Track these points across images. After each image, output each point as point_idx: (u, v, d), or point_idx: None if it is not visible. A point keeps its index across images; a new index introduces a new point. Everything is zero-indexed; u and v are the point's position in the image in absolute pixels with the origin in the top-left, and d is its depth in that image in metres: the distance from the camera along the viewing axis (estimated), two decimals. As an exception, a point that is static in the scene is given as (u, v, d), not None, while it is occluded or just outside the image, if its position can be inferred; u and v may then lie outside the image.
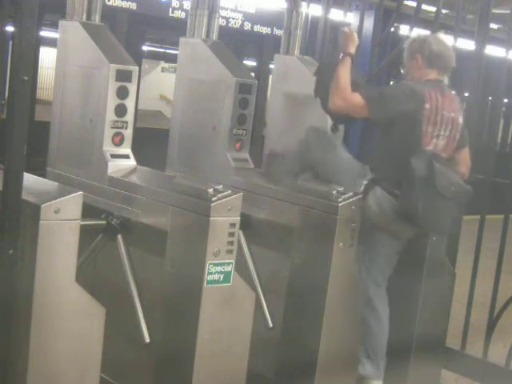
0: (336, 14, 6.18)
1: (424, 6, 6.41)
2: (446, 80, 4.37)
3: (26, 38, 2.98)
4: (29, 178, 3.23)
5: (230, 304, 3.76)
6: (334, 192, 4.23)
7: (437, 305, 4.61)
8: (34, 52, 3.13)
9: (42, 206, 3.11)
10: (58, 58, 4.27)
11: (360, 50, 5.98)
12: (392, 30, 6.26)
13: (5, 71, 3.11)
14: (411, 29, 5.72)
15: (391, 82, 8.80)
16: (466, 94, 5.08)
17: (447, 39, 4.47)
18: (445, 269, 4.65)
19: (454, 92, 4.37)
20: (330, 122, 4.74)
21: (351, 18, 6.76)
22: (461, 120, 4.31)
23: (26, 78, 2.98)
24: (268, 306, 4.24)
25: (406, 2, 6.43)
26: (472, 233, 4.98)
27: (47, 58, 9.07)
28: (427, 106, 4.14)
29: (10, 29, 3.38)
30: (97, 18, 4.21)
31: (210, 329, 3.70)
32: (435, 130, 4.18)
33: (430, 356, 4.67)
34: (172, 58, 10.47)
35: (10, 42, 3.14)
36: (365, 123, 4.84)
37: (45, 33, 8.52)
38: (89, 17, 4.18)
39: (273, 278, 4.45)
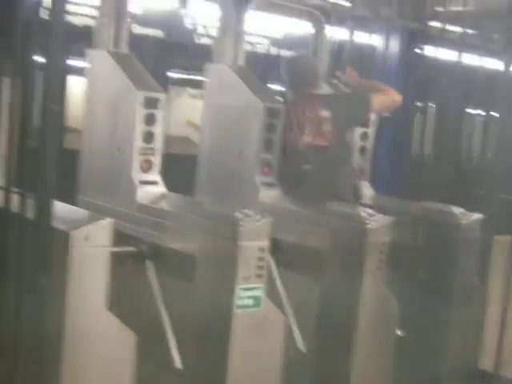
0: (361, 37, 6.19)
1: (449, 27, 6.40)
2: None
3: (54, 67, 3.02)
4: (59, 206, 3.25)
5: (260, 329, 3.75)
6: (363, 214, 4.22)
7: (468, 328, 4.57)
8: (62, 81, 3.17)
9: (72, 233, 3.13)
10: (87, 86, 4.31)
11: (385, 72, 6.00)
12: (417, 51, 6.27)
13: (35, 100, 3.14)
14: (437, 50, 5.71)
15: (418, 104, 8.77)
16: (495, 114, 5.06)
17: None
18: (475, 292, 4.61)
19: None
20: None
21: (376, 41, 6.77)
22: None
23: (56, 107, 3.01)
24: (299, 331, 4.22)
25: (430, 23, 6.41)
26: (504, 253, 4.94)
27: (76, 86, 9.15)
28: None
29: (39, 59, 3.42)
30: (124, 47, 4.26)
31: (240, 354, 3.69)
32: None
33: (462, 381, 4.62)
34: (199, 84, 10.55)
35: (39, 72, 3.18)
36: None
37: (73, 62, 8.60)
38: (116, 45, 4.23)
39: (303, 302, 4.42)
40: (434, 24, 6.86)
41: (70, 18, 7.78)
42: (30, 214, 3.09)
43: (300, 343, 4.19)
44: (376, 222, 4.19)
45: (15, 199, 3.18)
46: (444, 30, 6.00)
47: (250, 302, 3.66)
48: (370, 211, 4.26)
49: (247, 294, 3.64)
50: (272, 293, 3.95)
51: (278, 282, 4.24)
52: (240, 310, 3.63)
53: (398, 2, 6.20)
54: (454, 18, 6.44)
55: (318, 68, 5.06)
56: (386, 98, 4.94)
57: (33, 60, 3.12)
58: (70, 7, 7.73)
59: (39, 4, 3.12)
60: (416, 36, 6.09)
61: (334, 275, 4.29)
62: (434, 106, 10.38)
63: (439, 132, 8.43)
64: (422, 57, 7.43)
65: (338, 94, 5.21)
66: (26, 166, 3.13)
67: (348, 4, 6.09)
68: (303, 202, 4.47)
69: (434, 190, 6.46)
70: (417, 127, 10.77)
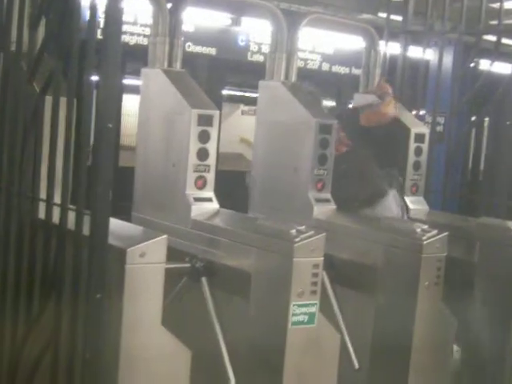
0: (414, 52, 6.15)
1: (504, 40, 6.34)
2: None
3: (109, 86, 3.05)
4: (114, 223, 3.27)
5: (314, 345, 3.73)
6: (418, 230, 4.18)
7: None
8: (118, 100, 3.20)
9: (128, 250, 3.15)
10: (141, 104, 4.36)
11: (440, 86, 5.95)
12: (472, 65, 6.21)
13: (90, 119, 3.17)
14: (492, 63, 5.65)
15: (473, 119, 8.69)
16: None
17: None
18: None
19: None
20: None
21: (430, 55, 6.73)
22: None
23: (111, 125, 3.04)
24: (353, 347, 4.19)
25: (485, 37, 6.35)
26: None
27: (130, 105, 9.25)
28: None
29: (94, 78, 3.46)
30: (178, 65, 4.30)
31: (295, 370, 3.67)
32: None
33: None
34: (251, 101, 10.57)
35: (95, 91, 3.21)
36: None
37: (128, 81, 8.70)
38: (170, 64, 4.27)
39: (357, 319, 4.39)
40: (489, 37, 6.79)
41: (124, 38, 7.87)
42: (86, 231, 3.11)
43: (354, 360, 4.16)
44: (431, 237, 4.14)
45: (71, 216, 3.22)
46: (499, 44, 5.93)
47: (305, 318, 3.64)
48: (425, 227, 4.22)
49: (301, 310, 3.63)
50: (326, 309, 3.93)
51: (332, 299, 4.22)
52: (294, 327, 3.62)
53: (452, 16, 6.15)
54: (509, 31, 6.38)
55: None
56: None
57: (88, 79, 3.15)
58: (124, 27, 7.83)
59: (95, 24, 3.16)
60: (470, 50, 6.02)
61: (389, 292, 4.25)
62: (489, 120, 10.29)
63: (494, 147, 8.33)
64: (477, 71, 7.37)
65: None
66: (82, 184, 3.16)
67: (401, 19, 6.06)
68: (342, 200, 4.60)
69: (490, 205, 6.38)
70: (472, 142, 10.68)
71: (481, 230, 4.61)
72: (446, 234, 4.19)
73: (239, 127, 13.25)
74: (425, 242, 4.12)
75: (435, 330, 4.20)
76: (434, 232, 4.18)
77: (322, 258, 3.70)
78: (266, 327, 3.73)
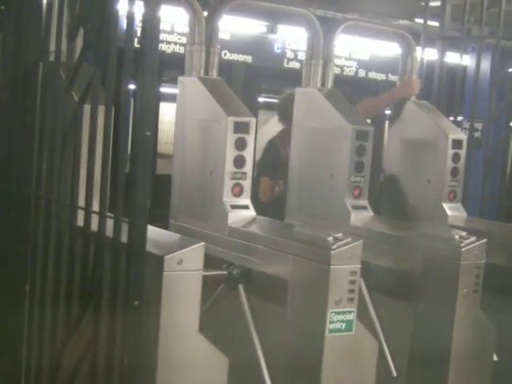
0: (452, 57, 6.12)
1: (543, 45, 6.28)
2: None
3: (147, 94, 3.07)
4: (152, 230, 3.29)
5: (352, 353, 3.71)
6: (456, 237, 4.15)
7: None
8: (155, 108, 3.23)
9: (166, 257, 3.16)
10: (178, 112, 4.38)
11: (477, 92, 5.91)
12: (510, 70, 6.15)
13: (128, 127, 3.19)
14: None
15: (511, 124, 8.61)
16: None
17: None
18: None
19: None
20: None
21: (467, 61, 6.68)
22: None
23: (148, 133, 3.06)
24: (391, 355, 4.16)
25: (523, 42, 6.29)
26: None
27: (167, 113, 9.30)
28: None
29: (132, 86, 3.49)
30: (214, 73, 4.31)
31: (333, 378, 3.66)
32: None
33: None
34: (288, 108, 10.60)
35: (132, 99, 3.24)
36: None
37: (165, 89, 8.75)
38: (206, 72, 4.28)
39: (395, 326, 4.37)
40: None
41: (161, 46, 7.92)
42: (125, 238, 3.13)
43: (392, 367, 4.13)
44: (470, 244, 4.11)
45: (110, 224, 3.24)
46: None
47: (342, 325, 3.63)
48: (463, 233, 4.19)
49: (339, 317, 3.61)
50: (364, 317, 3.91)
51: (370, 306, 4.20)
52: (332, 334, 3.61)
53: (490, 21, 6.11)
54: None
55: None
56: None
57: (126, 88, 3.17)
58: (161, 36, 7.88)
59: (132, 33, 3.18)
60: (508, 55, 5.97)
61: (427, 299, 4.22)
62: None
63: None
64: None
65: None
66: (120, 192, 3.18)
67: (438, 24, 6.03)
68: None
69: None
70: (510, 148, 10.55)
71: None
72: (484, 240, 4.15)
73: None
74: (463, 249, 4.09)
75: (474, 338, 4.17)
76: (473, 239, 4.14)
77: (360, 265, 3.68)
78: (303, 335, 3.72)
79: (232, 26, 8.58)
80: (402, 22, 8.69)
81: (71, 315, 3.48)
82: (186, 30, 4.39)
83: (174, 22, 8.29)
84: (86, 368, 3.34)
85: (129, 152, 3.18)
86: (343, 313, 3.62)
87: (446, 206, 4.93)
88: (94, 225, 3.34)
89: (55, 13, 3.68)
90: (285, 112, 5.63)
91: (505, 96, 6.25)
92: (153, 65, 3.05)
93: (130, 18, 3.14)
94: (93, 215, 3.36)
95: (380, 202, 5.25)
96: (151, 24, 3.05)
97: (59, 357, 3.52)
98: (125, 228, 3.14)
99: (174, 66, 6.07)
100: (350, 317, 3.65)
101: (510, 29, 6.14)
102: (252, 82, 9.33)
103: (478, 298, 4.15)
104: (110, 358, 3.20)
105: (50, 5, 3.72)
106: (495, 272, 4.33)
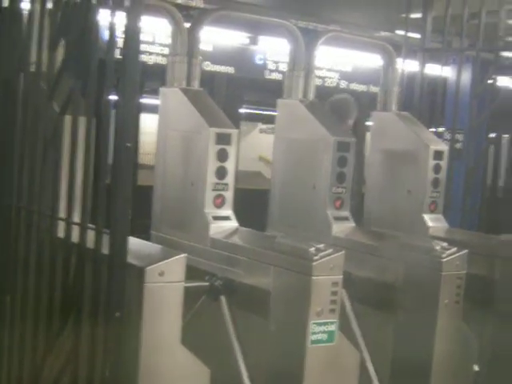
0: (432, 69, 6.15)
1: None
2: None
3: (128, 105, 3.06)
4: (133, 242, 3.28)
5: (334, 364, 3.71)
6: (437, 248, 4.17)
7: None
8: (136, 119, 3.22)
9: (147, 268, 3.15)
10: (160, 123, 4.37)
11: (458, 103, 5.94)
12: (490, 81, 6.20)
13: (109, 138, 3.19)
14: (510, 80, 5.64)
15: (491, 135, 8.67)
16: None
17: None
18: None
19: None
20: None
21: (448, 72, 6.72)
22: None
23: (129, 145, 3.06)
24: (373, 366, 4.16)
25: (503, 53, 6.34)
26: None
27: (149, 124, 9.30)
28: None
29: (113, 97, 3.49)
30: (196, 84, 4.32)
31: (315, 389, 3.66)
32: None
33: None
34: (270, 120, 10.60)
35: (114, 110, 3.23)
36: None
37: (146, 100, 8.74)
38: (188, 83, 4.28)
39: (377, 337, 4.37)
40: (507, 54, 6.78)
41: (142, 57, 7.92)
42: (106, 249, 3.12)
43: (373, 378, 4.13)
44: (451, 255, 4.12)
45: (91, 235, 3.23)
46: (517, 60, 5.92)
47: (324, 336, 3.63)
48: (445, 244, 4.20)
49: (321, 328, 3.61)
50: (346, 328, 3.91)
51: (352, 317, 4.21)
52: (314, 345, 3.61)
53: (470, 33, 6.15)
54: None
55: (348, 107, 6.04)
56: None
57: (107, 99, 3.17)
58: (142, 46, 7.87)
59: (113, 44, 3.18)
60: (488, 66, 6.01)
61: (408, 310, 4.23)
62: (508, 137, 10.24)
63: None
64: (495, 87, 7.35)
65: None
66: (101, 203, 3.17)
67: (419, 36, 6.06)
68: None
69: (509, 222, 6.35)
70: (490, 159, 10.63)
71: (501, 247, 4.58)
72: (465, 251, 4.17)
73: (258, 145, 13.27)
74: (444, 260, 4.10)
75: (455, 348, 4.18)
76: (454, 249, 4.16)
77: (341, 276, 3.69)
78: (285, 346, 3.72)
79: (214, 38, 8.59)
80: (383, 33, 8.73)
81: (52, 326, 3.46)
82: (168, 40, 4.39)
83: (156, 33, 8.29)
84: (67, 380, 3.32)
85: (110, 163, 3.17)
86: (325, 324, 3.63)
87: (427, 216, 4.95)
88: (75, 236, 3.33)
89: (36, 23, 3.67)
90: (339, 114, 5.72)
91: (485, 107, 6.29)
92: (134, 76, 3.05)
93: (112, 28, 3.13)
94: (74, 226, 3.35)
95: (362, 212, 5.26)
96: (132, 35, 3.04)
97: (40, 368, 3.50)
98: (106, 239, 3.13)
99: (155, 76, 6.07)
100: (332, 328, 3.65)
101: (489, 41, 6.18)
102: (234, 93, 9.34)
103: (460, 309, 4.16)
104: (91, 370, 3.18)
105: (30, 15, 3.72)
106: (476, 283, 4.34)
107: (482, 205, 6.48)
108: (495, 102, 5.70)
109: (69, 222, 3.37)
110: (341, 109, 6.40)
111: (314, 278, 3.59)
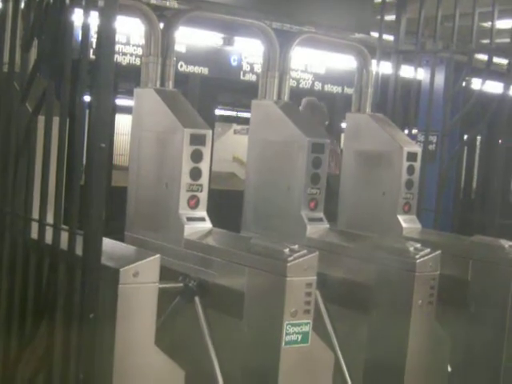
0: (406, 71, 6.19)
1: (495, 59, 6.38)
2: None
3: (102, 106, 3.06)
4: (107, 243, 3.28)
5: (308, 364, 3.73)
6: (411, 249, 4.20)
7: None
8: (110, 120, 3.22)
9: (121, 269, 3.15)
10: (134, 124, 4.37)
11: (432, 105, 5.98)
12: (463, 83, 6.24)
13: (83, 139, 3.18)
14: (483, 82, 5.68)
15: (465, 137, 8.73)
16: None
17: None
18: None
19: None
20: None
21: (422, 74, 6.76)
22: None
23: (103, 146, 3.05)
24: (347, 367, 4.19)
25: (476, 56, 6.39)
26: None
27: (123, 125, 9.28)
28: None
29: (87, 98, 3.49)
30: (170, 85, 4.32)
31: (289, 390, 3.67)
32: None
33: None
34: (244, 121, 10.62)
35: (87, 111, 3.23)
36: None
37: (120, 101, 8.72)
38: (162, 83, 4.28)
39: (351, 338, 4.40)
40: (480, 56, 6.84)
41: (116, 58, 7.90)
42: (79, 251, 3.12)
43: (347, 379, 4.16)
44: (424, 256, 4.15)
45: (64, 236, 3.22)
46: (490, 62, 5.97)
47: (298, 337, 3.64)
48: (418, 245, 4.23)
49: (295, 329, 3.63)
50: (320, 328, 3.93)
51: (326, 318, 4.23)
52: (288, 346, 3.62)
53: (444, 35, 6.20)
54: (500, 50, 6.43)
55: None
56: None
57: (81, 99, 3.16)
58: (116, 47, 7.85)
59: (87, 44, 3.18)
60: (462, 69, 6.06)
61: (382, 310, 4.26)
62: (481, 139, 10.32)
63: (486, 165, 8.36)
64: (469, 89, 7.41)
65: None
66: (75, 204, 3.16)
67: (393, 38, 6.10)
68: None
69: (482, 223, 6.40)
70: (464, 160, 10.71)
71: (474, 248, 4.62)
72: (438, 252, 4.20)
73: (232, 146, 13.29)
74: (418, 261, 4.13)
75: (429, 349, 4.21)
76: (427, 250, 4.19)
77: (315, 277, 3.70)
78: (259, 346, 3.73)
79: (188, 38, 8.59)
80: (357, 35, 8.76)
81: (25, 329, 3.45)
82: (142, 41, 4.39)
83: (130, 33, 8.27)
84: (41, 383, 3.31)
85: (84, 164, 3.17)
86: (299, 324, 3.64)
87: (400, 217, 4.98)
88: (49, 237, 3.32)
89: (9, 23, 3.66)
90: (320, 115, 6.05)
91: (458, 109, 6.34)
92: (108, 76, 3.05)
93: (85, 28, 3.13)
94: (47, 228, 3.34)
95: (336, 213, 5.29)
96: (107, 35, 3.04)
97: (13, 371, 3.49)
98: (80, 240, 3.13)
99: (129, 77, 6.06)
100: (306, 328, 3.67)
101: (463, 43, 6.24)
102: (208, 94, 9.34)
103: (433, 309, 4.19)
104: (65, 372, 3.18)
105: (3, 15, 3.70)
106: (449, 283, 4.38)
107: (456, 206, 6.53)
108: (468, 104, 5.74)
109: (42, 224, 3.36)
110: (321, 110, 6.49)
111: (288, 278, 3.60)
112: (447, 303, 4.35)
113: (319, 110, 6.62)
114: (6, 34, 3.69)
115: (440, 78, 6.58)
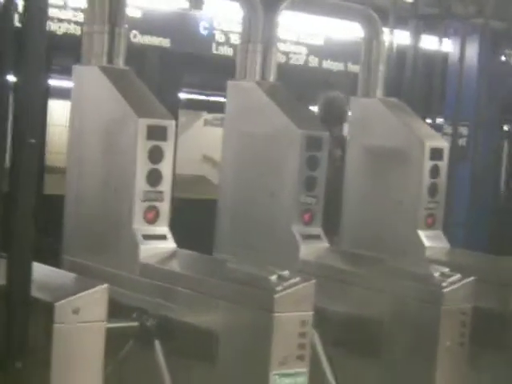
0: (429, 42, 6.21)
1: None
2: None
3: (31, 88, 3.05)
4: (39, 269, 3.27)
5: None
6: (436, 274, 4.21)
7: None
8: (42, 107, 3.21)
9: (57, 304, 3.14)
10: (73, 112, 4.36)
11: (462, 87, 6.00)
12: (503, 59, 6.28)
13: (6, 133, 3.17)
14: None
15: (505, 128, 8.76)
16: None
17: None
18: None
19: None
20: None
21: (449, 46, 6.78)
22: None
23: (33, 141, 3.04)
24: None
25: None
26: None
27: (59, 113, 9.26)
28: None
29: (11, 78, 3.46)
30: (120, 61, 4.31)
31: None
32: None
33: None
34: (217, 108, 10.61)
35: (12, 95, 3.21)
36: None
37: (55, 81, 8.70)
38: (110, 60, 4.27)
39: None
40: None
41: (50, 25, 7.89)
42: (3, 279, 3.11)
43: None
44: (454, 283, 4.17)
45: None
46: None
47: (290, 392, 3.65)
48: (445, 270, 4.24)
49: (285, 381, 3.63)
50: (318, 379, 3.94)
51: (326, 366, 4.23)
52: (276, 404, 3.63)
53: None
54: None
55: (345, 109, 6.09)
56: None
57: (4, 79, 3.15)
58: (50, 11, 7.84)
59: (11, 8, 3.17)
60: (501, 39, 6.09)
61: (398, 355, 4.27)
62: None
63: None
64: (509, 66, 7.44)
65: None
66: (-4, 218, 3.16)
67: (411, 0, 6.13)
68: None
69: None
70: (503, 158, 10.76)
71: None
72: (472, 278, 4.21)
73: (201, 142, 13.29)
74: (445, 290, 4.15)
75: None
76: (457, 276, 4.20)
77: (312, 313, 3.71)
78: (238, 404, 3.74)
79: (144, 1, 8.60)
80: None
81: None
82: (84, 4, 4.39)
83: (68, -6, 8.28)
84: None
85: (8, 165, 3.16)
86: (291, 375, 3.64)
87: (422, 233, 5.00)
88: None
89: None
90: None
91: (497, 92, 6.38)
92: (38, 49, 3.04)
93: (9, -12, 3.13)
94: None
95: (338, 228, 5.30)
96: (37, -3, 3.04)
97: None
98: (3, 266, 3.12)
99: (67, 51, 6.05)
100: (301, 380, 3.67)
101: (502, 7, 6.27)
102: (171, 73, 9.34)
103: (465, 353, 4.21)
104: None
105: None
106: (486, 319, 4.39)
107: (492, 218, 6.54)
108: (509, 84, 5.77)
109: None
110: (339, 105, 6.38)
111: (275, 314, 3.60)
112: (483, 344, 4.37)
113: (337, 106, 6.43)
114: None
115: (472, 52, 6.61)
